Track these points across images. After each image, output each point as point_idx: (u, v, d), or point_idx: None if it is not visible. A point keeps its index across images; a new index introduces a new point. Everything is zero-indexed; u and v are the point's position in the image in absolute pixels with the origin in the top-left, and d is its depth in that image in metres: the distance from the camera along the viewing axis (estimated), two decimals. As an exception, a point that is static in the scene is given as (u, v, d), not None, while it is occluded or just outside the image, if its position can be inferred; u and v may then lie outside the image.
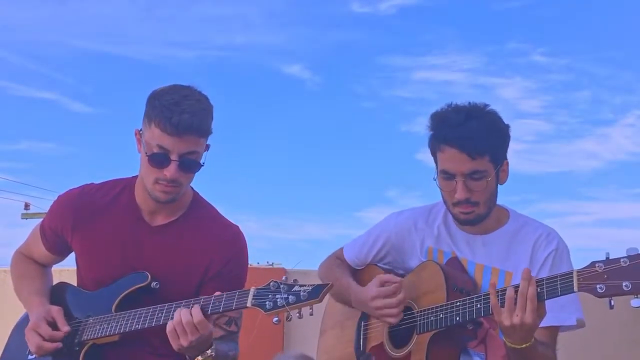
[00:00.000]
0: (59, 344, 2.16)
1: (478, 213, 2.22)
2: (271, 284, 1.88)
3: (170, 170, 2.09)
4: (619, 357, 3.97)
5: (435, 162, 2.27)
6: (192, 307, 1.97)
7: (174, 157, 2.08)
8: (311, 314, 1.88)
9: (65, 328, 2.17)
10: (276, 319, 1.89)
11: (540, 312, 1.92)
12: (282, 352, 2.32)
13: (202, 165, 2.17)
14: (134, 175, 2.33)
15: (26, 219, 23.95)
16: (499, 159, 2.24)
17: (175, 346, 1.99)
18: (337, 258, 2.65)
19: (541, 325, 2.09)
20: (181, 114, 2.05)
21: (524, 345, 1.96)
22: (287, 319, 1.88)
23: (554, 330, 2.19)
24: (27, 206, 24.42)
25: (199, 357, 2.03)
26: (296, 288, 1.86)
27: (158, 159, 2.09)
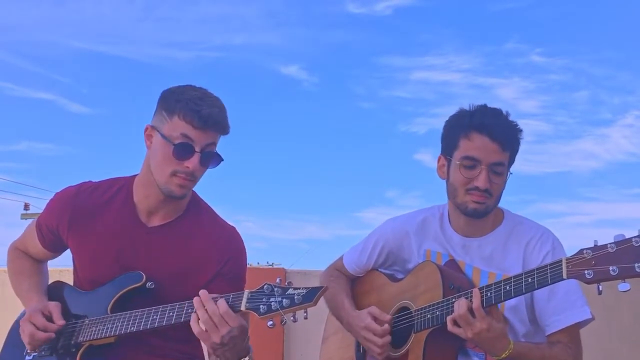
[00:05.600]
0: (52, 334, 2.14)
1: (488, 205, 2.22)
2: (265, 286, 1.86)
3: (193, 162, 2.09)
4: (619, 357, 3.97)
5: (452, 148, 2.25)
6: (217, 300, 1.91)
7: (197, 149, 2.09)
8: (306, 318, 1.85)
9: (60, 321, 2.16)
10: (271, 322, 1.85)
11: (495, 316, 2.00)
12: None
13: (222, 160, 2.17)
14: (132, 174, 2.30)
15: (26, 219, 23.88)
16: (513, 160, 2.27)
17: (208, 346, 1.95)
18: (336, 269, 2.65)
19: (560, 327, 2.15)
20: (210, 107, 2.08)
21: (503, 355, 2.02)
22: (281, 323, 1.85)
23: (573, 329, 2.19)
24: (26, 206, 24.33)
25: None
26: (290, 291, 1.82)
27: (183, 150, 2.09)
